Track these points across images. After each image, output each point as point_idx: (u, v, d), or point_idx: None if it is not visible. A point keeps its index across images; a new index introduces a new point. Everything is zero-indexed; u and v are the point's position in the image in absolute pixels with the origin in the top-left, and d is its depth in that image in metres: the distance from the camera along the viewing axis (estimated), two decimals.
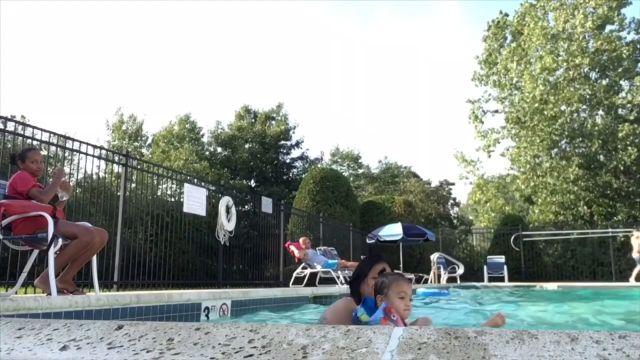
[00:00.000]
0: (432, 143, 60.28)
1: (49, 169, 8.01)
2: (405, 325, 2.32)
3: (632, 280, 13.97)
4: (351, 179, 31.45)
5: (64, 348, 1.17)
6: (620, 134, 19.38)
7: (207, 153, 27.57)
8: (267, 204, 11.26)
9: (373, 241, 14.70)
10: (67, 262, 3.95)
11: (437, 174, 64.63)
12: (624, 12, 21.40)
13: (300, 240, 10.33)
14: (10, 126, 6.32)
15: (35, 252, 4.24)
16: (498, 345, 1.03)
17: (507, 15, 24.09)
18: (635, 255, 14.28)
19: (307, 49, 51.64)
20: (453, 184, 36.76)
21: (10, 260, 5.74)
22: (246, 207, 15.03)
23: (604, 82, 20.90)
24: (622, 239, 17.55)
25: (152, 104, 45.45)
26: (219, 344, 1.12)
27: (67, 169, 10.29)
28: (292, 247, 10.16)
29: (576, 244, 18.85)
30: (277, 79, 51.41)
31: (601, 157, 20.74)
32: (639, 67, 21.44)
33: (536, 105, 20.57)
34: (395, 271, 2.82)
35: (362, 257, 13.39)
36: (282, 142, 28.70)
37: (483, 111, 24.37)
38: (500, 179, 25.65)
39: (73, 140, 6.53)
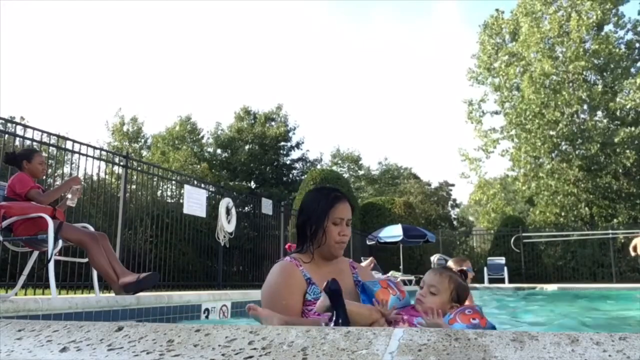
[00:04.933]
0: (432, 144, 60.34)
1: (48, 170, 8.01)
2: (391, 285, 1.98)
3: None
4: (351, 180, 31.44)
5: (63, 349, 1.17)
6: (616, 139, 19.30)
7: (207, 154, 27.56)
8: (267, 206, 11.26)
9: (373, 242, 14.69)
10: (105, 264, 4.07)
11: (437, 175, 64.67)
12: (622, 11, 21.34)
13: None
14: (10, 127, 6.32)
15: (35, 254, 4.24)
16: (498, 347, 1.03)
17: (502, 12, 23.92)
18: None
19: (306, 49, 51.71)
20: (453, 185, 36.80)
21: (10, 261, 5.73)
22: (246, 208, 15.02)
23: (601, 85, 20.85)
24: (623, 240, 17.52)
25: (152, 106, 45.50)
26: (219, 345, 1.12)
27: (66, 169, 10.31)
28: (293, 249, 10.15)
29: (576, 245, 18.82)
30: (277, 80, 51.48)
31: (601, 159, 20.72)
32: (635, 67, 21.41)
33: (537, 108, 20.53)
34: None
35: (362, 258, 13.37)
36: (282, 143, 28.63)
37: (482, 112, 24.31)
38: (501, 179, 25.61)
39: (73, 141, 6.52)
